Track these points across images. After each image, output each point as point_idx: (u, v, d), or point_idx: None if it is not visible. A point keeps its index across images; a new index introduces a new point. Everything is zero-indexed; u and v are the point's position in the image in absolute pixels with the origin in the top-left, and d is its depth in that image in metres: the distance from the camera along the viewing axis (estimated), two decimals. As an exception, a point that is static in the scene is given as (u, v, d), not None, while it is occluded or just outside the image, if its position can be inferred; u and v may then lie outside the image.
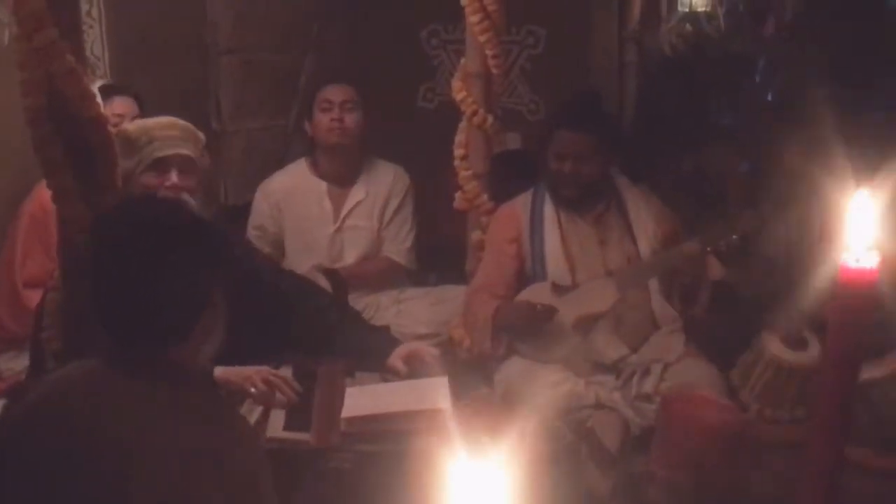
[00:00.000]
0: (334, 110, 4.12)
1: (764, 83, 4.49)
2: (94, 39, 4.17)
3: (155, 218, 2.01)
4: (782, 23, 4.76)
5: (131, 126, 2.99)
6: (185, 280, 1.94)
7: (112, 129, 2.76)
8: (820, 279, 3.00)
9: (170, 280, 1.92)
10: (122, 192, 2.77)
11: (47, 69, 2.49)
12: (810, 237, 3.51)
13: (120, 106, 3.78)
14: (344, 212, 4.21)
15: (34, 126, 2.51)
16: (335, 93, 4.16)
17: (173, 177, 2.98)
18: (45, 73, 2.49)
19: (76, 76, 2.52)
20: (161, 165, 2.97)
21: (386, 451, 2.75)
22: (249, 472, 1.92)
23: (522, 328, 3.51)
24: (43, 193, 3.58)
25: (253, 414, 2.89)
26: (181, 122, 3.08)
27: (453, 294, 4.02)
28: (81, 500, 1.82)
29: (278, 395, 2.93)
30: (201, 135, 3.13)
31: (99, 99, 2.68)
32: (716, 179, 4.41)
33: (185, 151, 3.00)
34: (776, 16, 4.77)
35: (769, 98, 4.36)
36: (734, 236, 3.40)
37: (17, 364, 3.60)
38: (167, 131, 3.00)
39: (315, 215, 4.21)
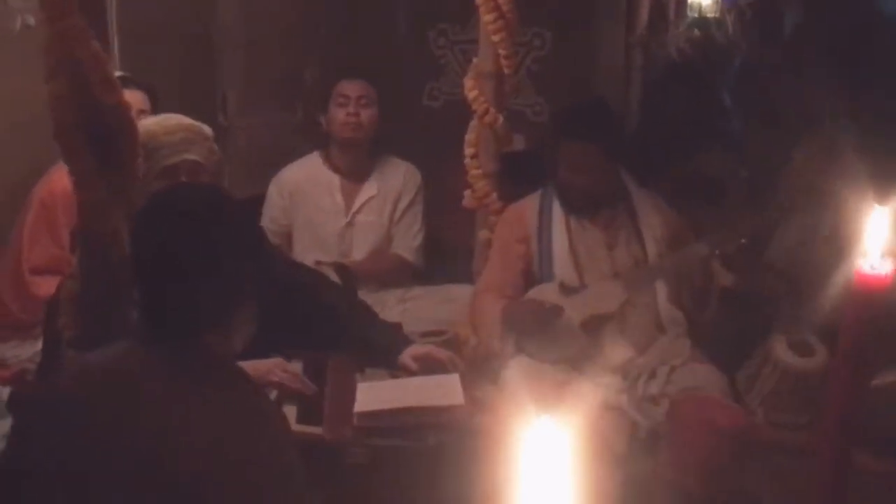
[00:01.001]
0: (350, 105, 4.15)
1: (771, 88, 4.50)
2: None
3: (197, 202, 2.02)
4: (782, 29, 4.79)
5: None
6: (224, 264, 1.96)
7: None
8: (829, 285, 3.04)
9: (210, 263, 1.94)
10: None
11: (72, 54, 2.47)
12: (819, 243, 3.53)
13: (129, 97, 3.75)
14: (355, 206, 4.23)
15: (57, 112, 2.48)
16: (351, 88, 4.18)
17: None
18: (70, 59, 2.47)
19: (101, 62, 2.50)
20: (169, 172, 2.94)
21: (400, 447, 2.76)
22: (283, 459, 1.93)
23: (530, 327, 3.51)
24: (54, 180, 3.58)
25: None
26: (187, 121, 3.05)
27: (459, 293, 4.01)
28: (112, 480, 1.82)
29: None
30: (208, 130, 3.09)
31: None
32: (721, 184, 4.43)
33: (192, 157, 2.97)
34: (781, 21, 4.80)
35: (776, 103, 4.37)
36: (742, 240, 3.41)
37: (23, 352, 3.59)
38: (174, 136, 2.97)
39: (327, 208, 4.22)
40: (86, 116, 2.51)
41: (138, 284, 1.97)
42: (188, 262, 1.92)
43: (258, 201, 4.27)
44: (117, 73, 3.73)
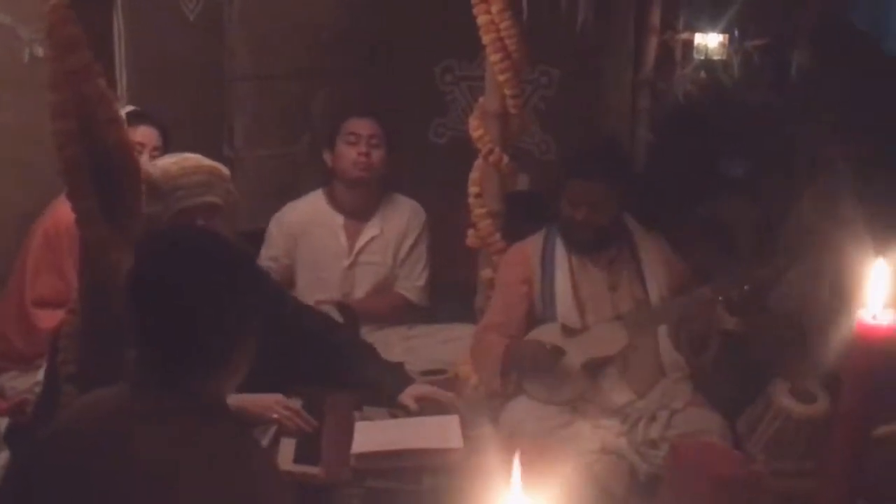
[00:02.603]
0: (361, 144, 4.10)
1: (777, 133, 4.51)
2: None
3: (199, 247, 2.01)
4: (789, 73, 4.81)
5: (156, 171, 2.92)
6: (225, 311, 1.94)
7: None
8: (833, 334, 3.03)
9: (210, 310, 1.92)
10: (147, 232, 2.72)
11: (79, 92, 2.47)
12: (822, 291, 3.52)
13: (143, 134, 3.76)
14: (358, 247, 4.19)
15: (63, 149, 2.48)
16: (362, 126, 4.13)
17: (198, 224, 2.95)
18: (77, 96, 2.47)
19: (107, 100, 2.51)
20: (186, 214, 2.91)
21: (396, 489, 2.74)
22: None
23: (531, 367, 3.50)
24: (58, 212, 3.58)
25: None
26: (206, 163, 3.02)
27: (462, 332, 3.99)
28: None
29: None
30: (226, 171, 3.07)
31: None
32: (727, 228, 4.42)
33: (210, 199, 2.95)
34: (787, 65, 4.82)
35: (782, 149, 4.38)
36: (746, 287, 3.40)
37: (21, 383, 3.58)
38: (192, 178, 2.94)
39: (329, 249, 4.18)
40: (91, 154, 2.51)
41: (133, 326, 1.96)
42: (186, 307, 1.91)
43: (250, 239, 4.22)
44: (130, 108, 3.76)
